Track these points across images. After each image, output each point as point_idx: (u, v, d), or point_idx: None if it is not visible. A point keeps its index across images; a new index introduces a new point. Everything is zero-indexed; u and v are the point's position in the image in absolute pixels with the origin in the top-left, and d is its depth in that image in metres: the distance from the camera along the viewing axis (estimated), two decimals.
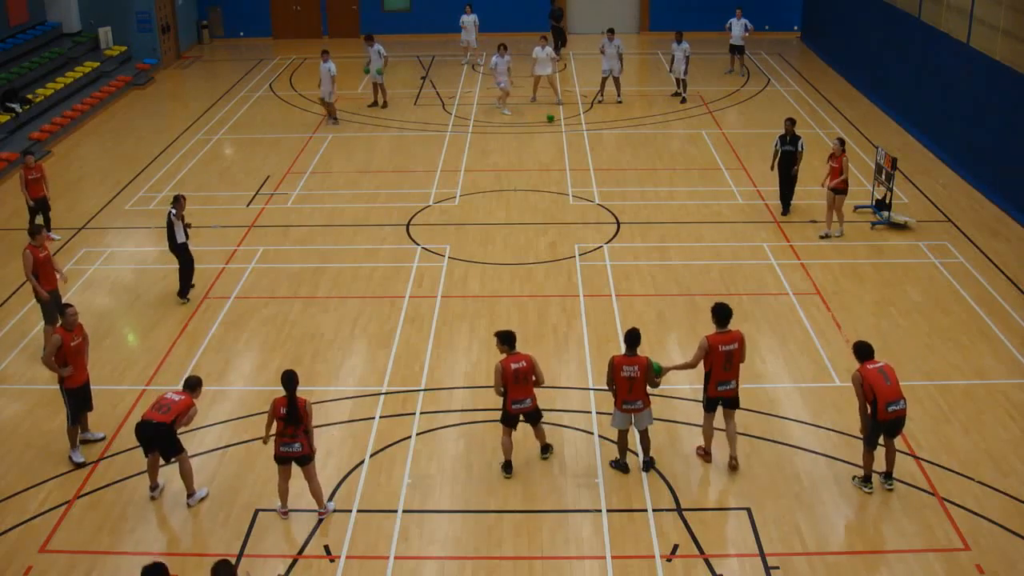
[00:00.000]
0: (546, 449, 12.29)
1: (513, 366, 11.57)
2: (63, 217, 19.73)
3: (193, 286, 16.63)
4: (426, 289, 16.71)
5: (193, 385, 11.60)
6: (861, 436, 11.58)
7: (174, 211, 16.01)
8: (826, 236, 18.45)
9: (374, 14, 36.20)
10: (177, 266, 16.48)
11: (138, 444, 11.58)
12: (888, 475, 11.67)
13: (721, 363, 11.64)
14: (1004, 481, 11.79)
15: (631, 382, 11.51)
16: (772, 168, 19.55)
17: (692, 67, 27.38)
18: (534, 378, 11.71)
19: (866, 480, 11.62)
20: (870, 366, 11.22)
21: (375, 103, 27.39)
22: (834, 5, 32.14)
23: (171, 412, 11.25)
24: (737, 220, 19.41)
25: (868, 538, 10.96)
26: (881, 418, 11.19)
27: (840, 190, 18.20)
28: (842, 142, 18.46)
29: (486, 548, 10.86)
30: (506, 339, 11.74)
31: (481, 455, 12.37)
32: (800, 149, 19.11)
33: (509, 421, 11.86)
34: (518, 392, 11.65)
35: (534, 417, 11.98)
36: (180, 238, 16.12)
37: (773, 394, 13.65)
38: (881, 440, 11.53)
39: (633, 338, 11.61)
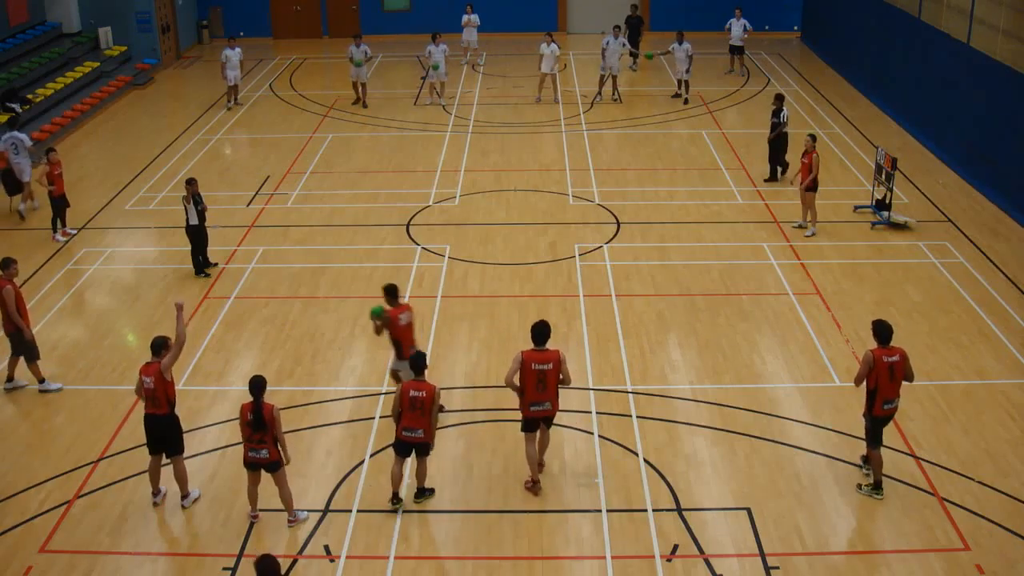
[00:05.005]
0: (421, 493, 11.51)
1: (412, 392, 10.97)
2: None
3: (215, 264, 17.53)
4: (426, 289, 16.71)
5: (158, 347, 11.34)
6: (863, 431, 11.59)
7: (183, 195, 16.92)
8: (800, 226, 18.78)
9: (374, 14, 36.20)
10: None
11: (145, 442, 11.58)
12: (878, 484, 11.58)
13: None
14: (1004, 481, 11.79)
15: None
16: (769, 141, 21.42)
17: (693, 67, 27.37)
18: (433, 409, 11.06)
19: (876, 487, 11.50)
20: (885, 358, 11.11)
21: (358, 100, 27.57)
22: (834, 5, 32.14)
23: (160, 401, 11.19)
24: (737, 220, 19.41)
25: (868, 538, 10.96)
26: (876, 413, 11.28)
27: (809, 187, 18.34)
28: (813, 139, 18.51)
29: (486, 548, 10.86)
30: (415, 363, 11.18)
31: (481, 455, 12.37)
32: (781, 120, 20.90)
33: (399, 449, 11.28)
34: (410, 420, 11.03)
35: (421, 450, 11.29)
36: (191, 220, 16.92)
37: (773, 394, 13.65)
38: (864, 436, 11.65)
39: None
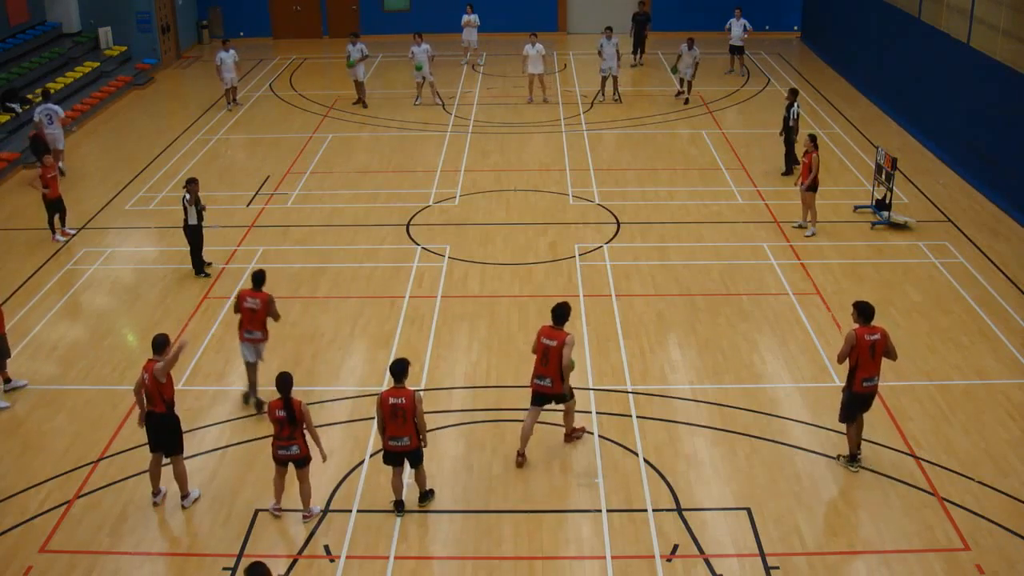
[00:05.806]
0: (424, 497, 11.41)
1: (391, 401, 10.78)
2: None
3: (210, 264, 17.50)
4: (426, 289, 16.71)
5: (159, 345, 11.36)
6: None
7: (187, 196, 16.82)
8: (800, 226, 18.82)
9: (374, 14, 36.21)
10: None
11: (146, 440, 11.56)
12: (854, 456, 11.91)
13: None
14: (1004, 481, 11.79)
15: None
16: (780, 134, 21.81)
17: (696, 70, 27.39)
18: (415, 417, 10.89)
19: (852, 459, 11.88)
20: (867, 336, 11.44)
21: (359, 101, 27.60)
22: (834, 5, 32.14)
23: (156, 400, 11.18)
24: (737, 220, 19.41)
25: (868, 538, 10.95)
26: (855, 390, 11.59)
27: (809, 187, 18.37)
28: (813, 139, 18.51)
29: (486, 548, 10.86)
30: (394, 369, 10.93)
31: (481, 455, 12.37)
32: (791, 115, 21.21)
33: (390, 459, 11.11)
34: (394, 429, 10.84)
35: (414, 458, 11.15)
36: (191, 220, 16.97)
37: (773, 394, 13.65)
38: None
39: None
